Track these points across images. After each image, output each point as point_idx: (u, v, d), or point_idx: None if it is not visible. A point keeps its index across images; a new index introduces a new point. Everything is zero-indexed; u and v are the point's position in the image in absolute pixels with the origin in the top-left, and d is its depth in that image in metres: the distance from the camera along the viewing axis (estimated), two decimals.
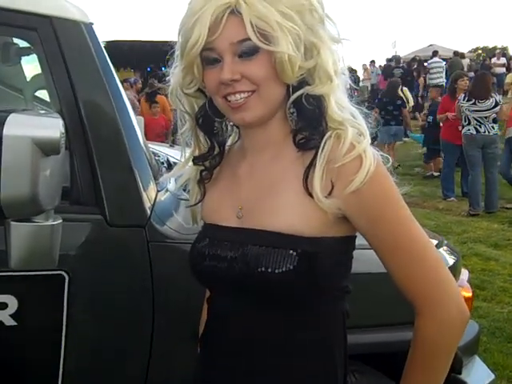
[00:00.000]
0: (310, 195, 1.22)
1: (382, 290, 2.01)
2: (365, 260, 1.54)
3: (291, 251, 1.21)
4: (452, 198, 8.94)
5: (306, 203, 1.23)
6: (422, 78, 18.70)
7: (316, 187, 1.21)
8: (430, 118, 10.67)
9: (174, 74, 1.34)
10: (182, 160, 1.44)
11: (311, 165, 1.24)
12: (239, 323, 1.29)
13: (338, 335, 1.34)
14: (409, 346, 1.28)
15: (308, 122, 1.27)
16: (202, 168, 1.41)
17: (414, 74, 18.67)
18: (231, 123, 1.40)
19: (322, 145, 1.23)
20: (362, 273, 1.63)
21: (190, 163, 1.43)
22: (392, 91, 11.90)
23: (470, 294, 2.41)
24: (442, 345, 1.25)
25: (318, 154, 1.23)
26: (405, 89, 12.14)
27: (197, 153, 1.41)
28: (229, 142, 1.44)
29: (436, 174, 10.64)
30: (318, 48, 1.26)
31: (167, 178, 1.54)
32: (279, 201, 1.26)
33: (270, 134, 1.32)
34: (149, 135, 7.65)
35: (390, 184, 1.26)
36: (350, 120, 1.28)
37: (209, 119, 1.36)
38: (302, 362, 1.28)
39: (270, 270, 1.20)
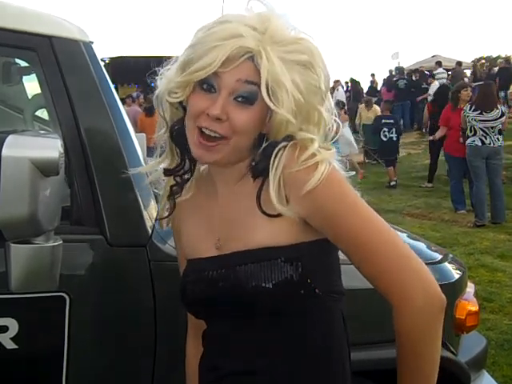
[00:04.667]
0: (264, 213, 1.26)
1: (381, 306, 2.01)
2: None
3: (277, 260, 1.24)
4: (463, 211, 8.88)
5: (272, 218, 1.27)
6: (435, 81, 18.38)
7: (273, 197, 1.24)
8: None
9: (166, 76, 1.34)
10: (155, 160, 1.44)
11: (263, 183, 1.27)
12: (240, 344, 1.31)
13: (340, 338, 1.36)
14: None
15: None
16: (173, 183, 1.42)
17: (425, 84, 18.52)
18: None
19: (274, 154, 1.25)
20: (359, 289, 1.61)
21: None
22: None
23: (476, 308, 2.39)
24: (422, 335, 1.24)
25: (270, 163, 1.25)
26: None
27: (169, 162, 1.41)
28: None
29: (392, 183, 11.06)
30: (311, 122, 1.29)
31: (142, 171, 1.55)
32: (250, 222, 1.29)
33: (238, 171, 1.34)
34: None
35: (345, 186, 1.27)
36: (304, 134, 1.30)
37: (183, 134, 1.35)
38: (308, 368, 1.30)
39: (263, 284, 1.23)
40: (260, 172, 1.28)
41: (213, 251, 1.35)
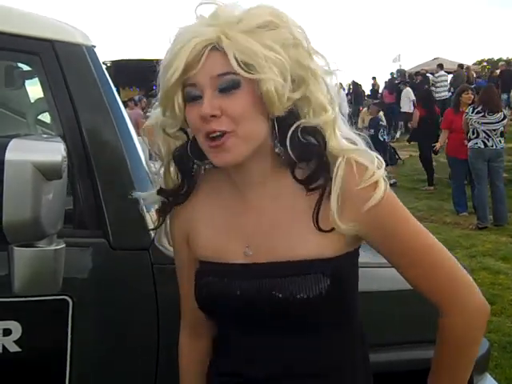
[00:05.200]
0: (321, 230, 1.25)
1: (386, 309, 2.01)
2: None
3: (320, 274, 1.24)
4: (465, 213, 8.88)
5: (324, 232, 1.26)
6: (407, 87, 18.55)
7: (334, 216, 1.24)
8: (372, 131, 11.37)
9: (156, 110, 1.34)
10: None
11: (320, 199, 1.26)
12: (271, 356, 1.31)
13: (359, 348, 1.40)
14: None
15: (305, 154, 1.26)
16: (165, 200, 1.41)
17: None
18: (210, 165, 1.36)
19: (335, 172, 1.24)
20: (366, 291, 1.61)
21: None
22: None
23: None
24: (470, 338, 1.32)
25: (332, 183, 1.24)
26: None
27: (164, 185, 1.41)
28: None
29: None
30: (306, 80, 1.24)
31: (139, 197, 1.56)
32: (293, 232, 1.28)
33: (264, 168, 1.31)
34: None
35: (398, 201, 1.30)
36: (355, 148, 1.29)
37: (186, 159, 1.35)
38: (345, 376, 1.34)
39: (303, 296, 1.23)
40: (315, 180, 1.26)
41: (241, 258, 1.32)
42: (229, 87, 1.21)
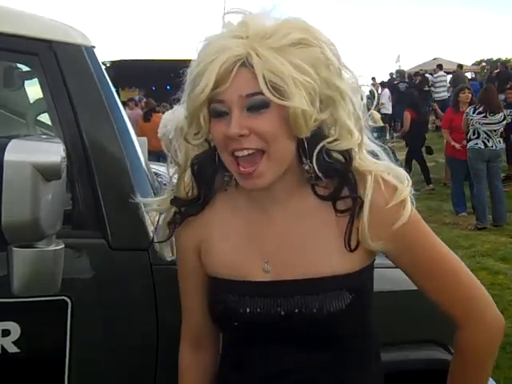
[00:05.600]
0: (350, 249, 1.26)
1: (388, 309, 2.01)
2: None
3: (342, 290, 1.25)
4: (463, 214, 8.88)
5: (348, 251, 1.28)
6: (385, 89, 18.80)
7: (366, 235, 1.25)
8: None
9: (177, 119, 1.32)
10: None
11: (352, 219, 1.26)
12: (303, 375, 1.31)
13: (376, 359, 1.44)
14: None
15: (331, 172, 1.26)
16: (177, 210, 1.38)
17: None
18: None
19: (366, 191, 1.25)
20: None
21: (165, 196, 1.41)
22: None
23: None
24: (486, 351, 1.35)
25: (365, 203, 1.24)
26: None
27: (177, 193, 1.38)
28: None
29: None
30: (334, 101, 1.22)
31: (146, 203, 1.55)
32: (316, 250, 1.28)
33: (289, 185, 1.30)
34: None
35: (421, 218, 1.32)
36: (383, 166, 1.30)
37: (205, 168, 1.33)
38: None
39: (327, 312, 1.23)
40: (337, 196, 1.27)
41: (260, 274, 1.31)
42: (257, 106, 1.19)
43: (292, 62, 1.16)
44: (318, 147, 1.23)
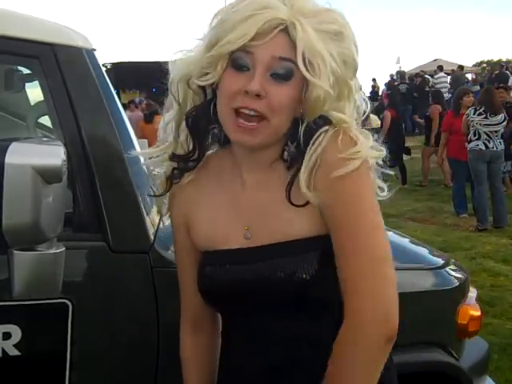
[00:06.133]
0: (291, 203, 1.25)
1: None
2: None
3: (320, 251, 1.25)
4: (464, 215, 8.88)
5: (309, 209, 1.26)
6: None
7: (302, 181, 1.22)
8: None
9: (186, 60, 1.29)
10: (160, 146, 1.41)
11: (297, 172, 1.25)
12: (277, 338, 1.30)
13: None
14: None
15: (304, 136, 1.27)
16: (175, 166, 1.38)
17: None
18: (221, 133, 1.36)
19: (315, 137, 1.23)
20: None
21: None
22: None
23: (478, 313, 2.39)
24: (356, 353, 1.21)
25: (309, 146, 1.23)
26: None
27: (172, 149, 1.37)
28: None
29: None
30: (343, 98, 1.26)
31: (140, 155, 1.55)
32: (283, 213, 1.28)
33: (271, 157, 1.32)
34: None
35: (366, 183, 1.25)
36: (358, 129, 1.28)
37: (200, 121, 1.32)
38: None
39: (303, 276, 1.23)
40: (297, 158, 1.26)
41: (242, 242, 1.32)
42: (282, 75, 1.21)
43: (329, 49, 1.20)
44: (322, 129, 1.25)
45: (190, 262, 1.43)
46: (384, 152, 1.29)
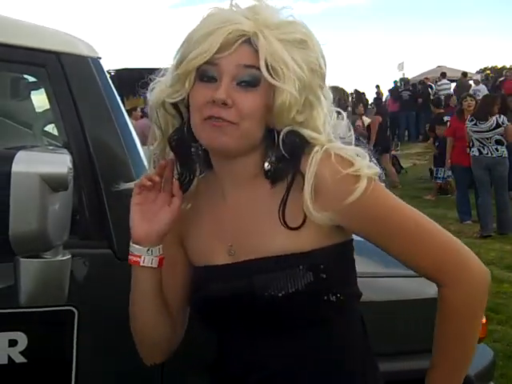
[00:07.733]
0: (287, 227, 1.25)
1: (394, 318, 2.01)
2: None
3: (299, 268, 1.24)
4: (469, 222, 8.87)
5: (302, 228, 1.26)
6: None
7: (309, 206, 1.23)
8: None
9: (161, 82, 1.33)
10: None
11: (288, 193, 1.26)
12: (264, 355, 1.31)
13: (360, 341, 1.38)
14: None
15: (285, 152, 1.27)
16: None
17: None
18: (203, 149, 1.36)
19: (309, 162, 1.24)
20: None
21: None
22: None
23: (483, 320, 2.37)
24: (470, 310, 1.29)
25: (306, 174, 1.24)
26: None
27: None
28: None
29: None
30: (311, 106, 1.27)
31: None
32: (267, 229, 1.28)
33: (248, 167, 1.32)
34: None
35: (385, 192, 1.29)
36: (340, 144, 1.30)
37: (183, 144, 1.34)
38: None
39: (283, 293, 1.23)
40: (280, 174, 1.27)
41: (226, 258, 1.33)
42: (248, 81, 1.23)
43: (292, 56, 1.22)
44: (284, 132, 1.26)
45: (174, 271, 1.42)
46: (378, 170, 1.29)
